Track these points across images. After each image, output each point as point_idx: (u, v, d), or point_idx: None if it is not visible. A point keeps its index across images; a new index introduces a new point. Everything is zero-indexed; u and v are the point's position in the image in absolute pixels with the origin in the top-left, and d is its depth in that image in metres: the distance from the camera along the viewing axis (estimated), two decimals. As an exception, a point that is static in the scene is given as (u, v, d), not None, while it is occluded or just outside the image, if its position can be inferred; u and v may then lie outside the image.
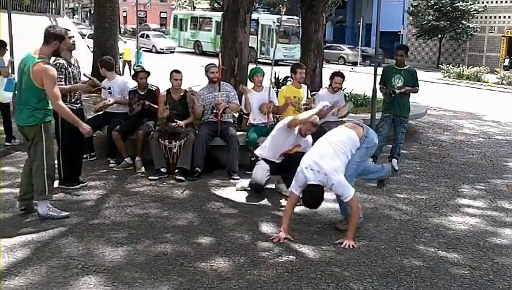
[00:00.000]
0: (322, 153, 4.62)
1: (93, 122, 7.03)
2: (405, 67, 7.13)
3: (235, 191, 5.95)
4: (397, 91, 6.92)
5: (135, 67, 7.20)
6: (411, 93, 7.20)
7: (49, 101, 4.76)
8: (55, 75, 4.68)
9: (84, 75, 6.01)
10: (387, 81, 7.12)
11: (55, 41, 4.77)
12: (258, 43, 27.70)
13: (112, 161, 6.77)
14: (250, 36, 8.70)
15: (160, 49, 34.59)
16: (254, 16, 28.31)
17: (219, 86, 6.71)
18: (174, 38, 36.71)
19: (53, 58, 5.53)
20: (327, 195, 5.87)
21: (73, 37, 5.56)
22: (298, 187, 4.61)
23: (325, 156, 4.57)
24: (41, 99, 4.68)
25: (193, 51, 35.24)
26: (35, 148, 4.75)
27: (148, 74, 6.98)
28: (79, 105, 5.71)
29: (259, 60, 22.98)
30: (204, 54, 33.20)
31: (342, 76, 7.23)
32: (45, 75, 4.57)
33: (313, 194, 4.52)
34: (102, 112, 7.00)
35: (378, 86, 7.58)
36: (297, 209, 5.40)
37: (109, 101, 6.67)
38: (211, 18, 34.03)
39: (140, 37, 35.22)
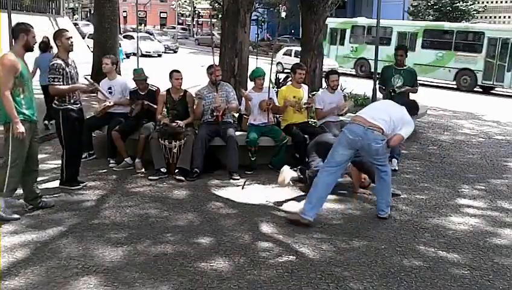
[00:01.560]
0: None
1: (93, 122, 7.07)
2: (404, 67, 7.15)
3: (235, 191, 5.95)
4: (397, 90, 6.92)
5: (136, 69, 7.16)
6: (410, 93, 7.21)
7: (22, 101, 4.71)
8: (12, 64, 4.60)
9: (84, 78, 6.00)
10: (387, 81, 7.13)
11: (21, 34, 4.77)
12: (482, 64, 20.38)
13: (112, 161, 6.77)
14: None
15: (323, 71, 25.05)
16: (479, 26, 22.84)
17: (217, 87, 6.71)
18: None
19: (48, 56, 5.54)
20: (327, 195, 5.89)
21: (71, 37, 5.54)
22: None
23: None
24: None
25: (354, 72, 24.89)
26: (5, 145, 4.74)
27: (145, 79, 6.96)
28: (78, 105, 5.70)
29: (485, 84, 20.38)
30: (372, 76, 25.88)
31: (337, 73, 7.29)
32: (1, 63, 4.59)
33: None
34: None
35: (377, 86, 7.59)
36: (298, 209, 5.41)
37: (110, 102, 6.66)
38: (390, 28, 23.98)
39: (286, 54, 25.92)
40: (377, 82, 7.50)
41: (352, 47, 25.19)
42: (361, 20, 26.27)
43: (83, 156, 6.70)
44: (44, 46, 9.34)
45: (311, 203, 4.95)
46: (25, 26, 4.87)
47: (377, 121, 4.98)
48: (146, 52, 30.81)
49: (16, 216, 4.84)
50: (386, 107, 5.30)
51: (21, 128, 4.63)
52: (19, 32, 4.79)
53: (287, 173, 5.76)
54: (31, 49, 4.91)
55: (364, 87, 11.69)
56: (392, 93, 6.98)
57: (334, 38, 26.23)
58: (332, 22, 26.32)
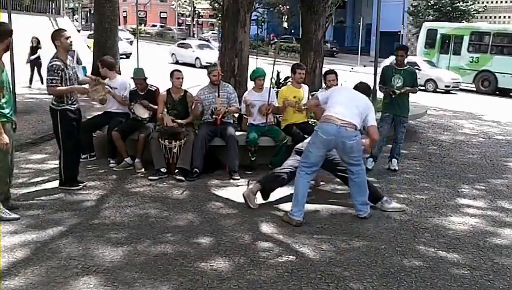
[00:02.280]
0: None
1: (93, 122, 7.07)
2: (405, 68, 7.16)
3: (235, 191, 5.95)
4: (397, 92, 6.93)
5: (137, 69, 7.20)
6: (410, 93, 7.22)
7: (4, 105, 4.64)
8: None
9: (86, 76, 5.97)
10: (387, 81, 7.14)
11: (8, 37, 4.68)
12: None
13: (112, 161, 6.77)
14: None
15: (446, 86, 20.13)
16: None
17: (218, 90, 6.70)
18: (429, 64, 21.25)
19: (50, 59, 5.50)
20: (328, 195, 5.90)
21: (70, 37, 5.52)
22: None
23: None
24: None
25: (472, 87, 20.99)
26: None
27: (145, 79, 6.97)
28: (76, 105, 5.68)
29: None
30: (500, 92, 20.34)
31: (335, 73, 7.32)
32: None
33: None
34: (102, 112, 6.99)
35: (378, 86, 7.60)
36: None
37: (108, 88, 6.50)
38: None
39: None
40: (378, 82, 7.51)
41: (471, 57, 20.96)
42: (485, 26, 22.85)
43: (83, 156, 6.70)
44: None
45: (296, 205, 4.99)
46: (10, 29, 4.77)
47: (348, 117, 4.97)
48: (207, 63, 25.07)
49: (16, 216, 4.83)
50: (353, 99, 5.21)
51: (5, 139, 4.53)
52: (5, 35, 4.67)
53: (249, 190, 5.50)
54: (7, 51, 4.83)
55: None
56: (392, 95, 6.98)
57: (446, 46, 21.99)
58: (444, 27, 22.75)
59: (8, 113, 4.73)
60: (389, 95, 7.03)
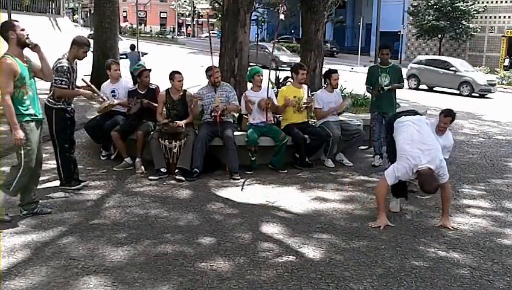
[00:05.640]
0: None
1: (94, 121, 7.06)
2: (389, 65, 7.29)
3: (235, 191, 5.95)
4: (386, 88, 7.05)
5: (136, 66, 7.21)
6: (402, 91, 7.34)
7: (27, 102, 4.62)
8: (9, 68, 4.46)
9: (82, 79, 6.00)
10: (374, 80, 7.24)
11: (10, 31, 4.57)
12: None
13: (103, 153, 6.98)
14: None
15: None
16: None
17: (215, 89, 6.71)
18: None
19: (60, 59, 5.51)
20: (328, 195, 5.90)
21: (87, 51, 5.59)
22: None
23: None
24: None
25: None
26: (14, 147, 4.74)
27: (149, 70, 7.00)
28: (72, 106, 5.69)
29: None
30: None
31: (337, 72, 7.37)
32: (0, 67, 4.46)
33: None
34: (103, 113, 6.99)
35: (365, 87, 7.65)
36: (298, 209, 5.42)
37: (113, 101, 6.66)
38: None
39: None
40: (365, 83, 7.56)
41: None
42: None
43: (104, 154, 7.02)
44: (133, 46, 15.68)
45: None
46: (9, 23, 4.71)
47: None
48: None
49: (7, 218, 4.78)
50: None
51: (20, 134, 4.54)
52: (5, 31, 4.60)
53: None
54: (25, 45, 4.65)
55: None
56: (381, 92, 7.08)
57: None
58: None
59: (33, 113, 4.71)
60: (377, 92, 7.12)
